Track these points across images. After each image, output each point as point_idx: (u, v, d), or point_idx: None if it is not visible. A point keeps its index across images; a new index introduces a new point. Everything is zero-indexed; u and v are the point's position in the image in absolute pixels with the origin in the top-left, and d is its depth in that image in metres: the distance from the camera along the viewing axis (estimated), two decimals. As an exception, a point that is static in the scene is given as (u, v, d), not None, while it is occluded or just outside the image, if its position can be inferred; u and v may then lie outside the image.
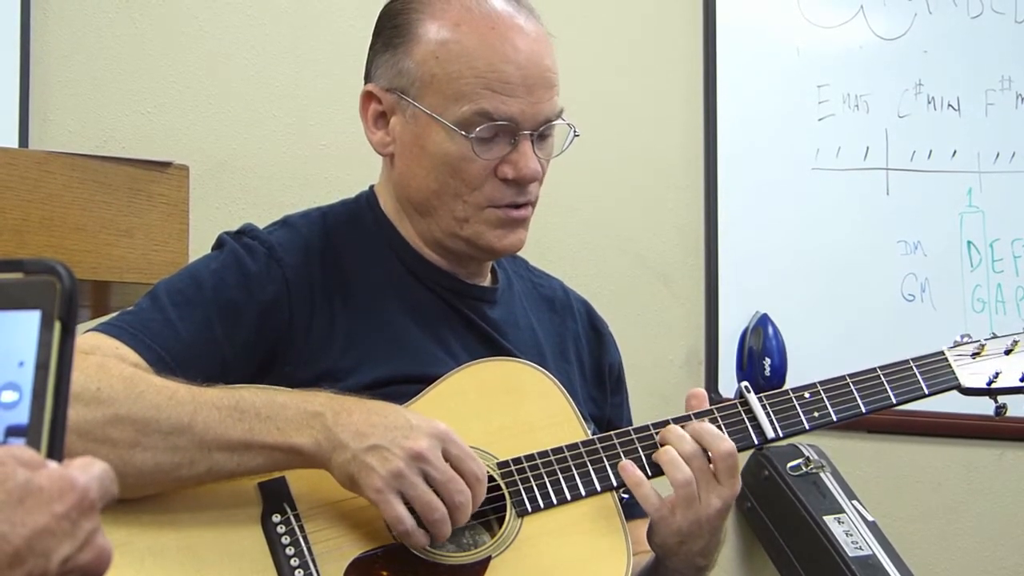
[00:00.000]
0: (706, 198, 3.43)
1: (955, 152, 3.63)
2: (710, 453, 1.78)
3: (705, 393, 1.89)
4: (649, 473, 1.81)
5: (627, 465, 1.80)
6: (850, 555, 3.10)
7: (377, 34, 1.94)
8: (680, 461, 1.78)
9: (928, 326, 3.50)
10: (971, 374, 1.96)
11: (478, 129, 1.83)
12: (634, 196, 3.38)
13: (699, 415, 1.85)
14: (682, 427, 1.82)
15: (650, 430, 1.84)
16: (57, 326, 0.96)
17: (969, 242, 3.63)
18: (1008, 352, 1.99)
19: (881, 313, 3.51)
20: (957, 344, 1.99)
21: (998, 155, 3.67)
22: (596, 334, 2.09)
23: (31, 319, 0.96)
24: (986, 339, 1.99)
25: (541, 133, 1.87)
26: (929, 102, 3.62)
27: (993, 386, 1.97)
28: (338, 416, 1.68)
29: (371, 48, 1.94)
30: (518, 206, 1.88)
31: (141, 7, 2.97)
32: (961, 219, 3.63)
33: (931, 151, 3.61)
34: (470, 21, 1.86)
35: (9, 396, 0.95)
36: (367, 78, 1.94)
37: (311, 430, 1.67)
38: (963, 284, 3.61)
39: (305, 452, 1.68)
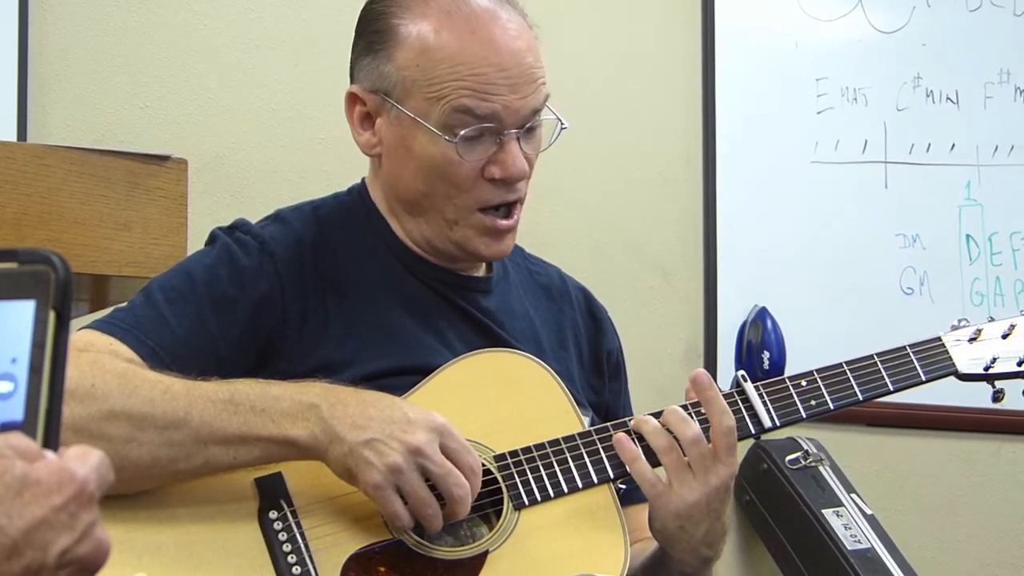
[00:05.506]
0: (705, 192, 3.42)
1: (954, 145, 3.63)
2: (711, 429, 1.76)
3: (706, 373, 1.83)
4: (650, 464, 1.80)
5: (622, 438, 1.79)
6: (849, 548, 3.09)
7: (358, 36, 1.92)
8: (660, 428, 1.77)
9: (927, 319, 3.49)
10: (968, 359, 1.94)
11: (463, 132, 1.82)
12: (633, 189, 3.38)
13: (696, 405, 1.84)
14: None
15: (648, 420, 1.83)
16: (52, 316, 0.96)
17: (968, 235, 3.63)
18: (1005, 336, 1.96)
19: (880, 306, 3.50)
20: (955, 328, 1.96)
21: (997, 148, 3.67)
22: (594, 320, 2.08)
23: (26, 309, 0.96)
24: (983, 324, 1.98)
25: (528, 127, 1.86)
26: (928, 95, 3.62)
27: (990, 371, 1.94)
28: (333, 408, 1.67)
29: (353, 49, 1.92)
30: (508, 214, 1.88)
31: (139, 1, 2.97)
32: (960, 212, 3.63)
33: (930, 144, 3.60)
34: (450, 25, 1.84)
35: (4, 387, 0.95)
36: (351, 79, 1.92)
37: (306, 423, 1.67)
38: (962, 277, 3.60)
39: (301, 444, 1.67)
